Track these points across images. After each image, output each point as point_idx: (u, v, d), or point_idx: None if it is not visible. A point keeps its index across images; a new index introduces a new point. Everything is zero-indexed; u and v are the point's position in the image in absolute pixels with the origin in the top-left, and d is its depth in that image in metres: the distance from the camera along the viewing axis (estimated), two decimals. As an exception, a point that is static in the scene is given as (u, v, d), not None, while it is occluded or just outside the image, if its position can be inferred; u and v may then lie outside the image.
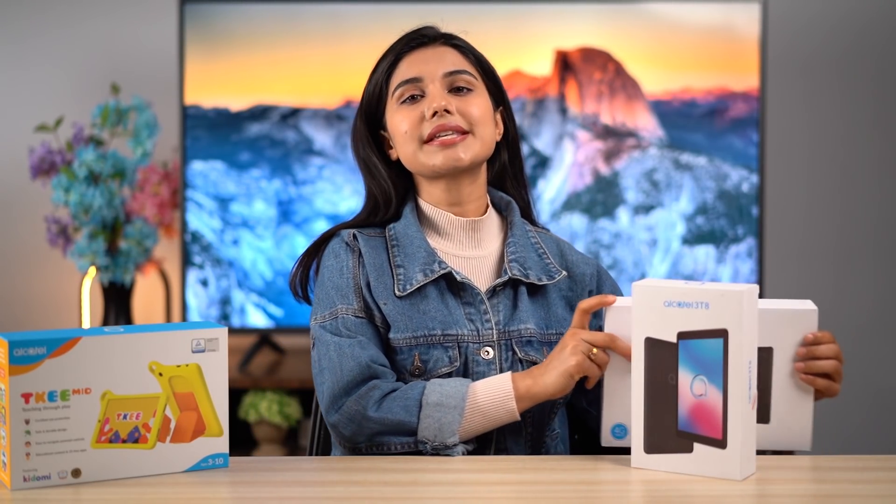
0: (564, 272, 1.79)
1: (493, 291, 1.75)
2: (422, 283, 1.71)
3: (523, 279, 1.75)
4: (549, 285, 1.78)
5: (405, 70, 1.75)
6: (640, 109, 3.20)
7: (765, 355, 1.60)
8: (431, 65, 1.74)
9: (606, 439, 1.64)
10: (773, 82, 3.38)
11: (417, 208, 1.81)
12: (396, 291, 1.71)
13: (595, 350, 1.60)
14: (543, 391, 1.63)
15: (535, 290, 1.77)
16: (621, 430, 1.63)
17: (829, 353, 1.61)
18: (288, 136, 3.20)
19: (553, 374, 1.61)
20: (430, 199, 1.79)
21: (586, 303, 1.64)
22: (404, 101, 1.75)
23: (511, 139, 1.84)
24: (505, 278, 1.74)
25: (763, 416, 1.62)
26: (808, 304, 1.63)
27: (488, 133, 1.76)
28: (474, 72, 1.77)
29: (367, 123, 1.80)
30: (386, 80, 1.77)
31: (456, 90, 1.75)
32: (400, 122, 1.74)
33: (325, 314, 1.71)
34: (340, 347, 1.67)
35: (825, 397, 1.66)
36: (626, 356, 1.58)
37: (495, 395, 1.63)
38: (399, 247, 1.75)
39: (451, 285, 1.74)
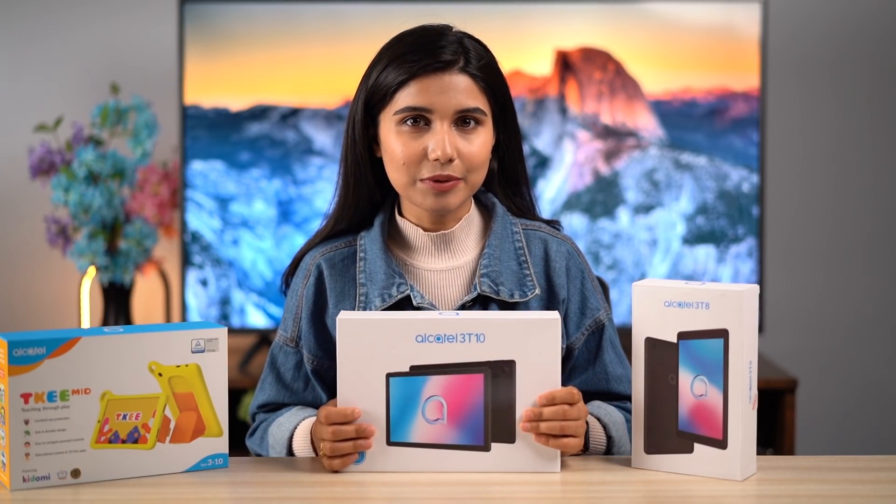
0: (538, 290, 1.71)
1: (463, 307, 1.70)
2: (381, 308, 1.68)
3: (493, 296, 1.69)
4: (531, 296, 1.71)
5: (416, 95, 1.65)
6: (640, 109, 3.20)
7: (506, 369, 1.51)
8: (444, 98, 1.64)
9: None
10: (774, 82, 3.38)
11: (391, 219, 1.76)
12: None
13: (322, 447, 1.54)
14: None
15: (510, 304, 1.70)
16: (359, 455, 1.53)
17: (552, 415, 1.50)
18: (288, 136, 3.20)
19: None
20: (412, 213, 1.74)
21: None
22: (405, 122, 1.66)
23: (505, 150, 1.77)
24: (473, 295, 1.69)
25: (507, 435, 1.52)
26: (552, 315, 1.52)
27: (479, 176, 1.70)
28: (484, 105, 1.68)
29: (365, 115, 1.72)
30: (393, 91, 1.67)
31: (462, 122, 1.67)
32: (398, 147, 1.67)
33: (277, 331, 1.80)
34: (263, 379, 1.78)
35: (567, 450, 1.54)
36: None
37: (302, 438, 1.66)
38: (365, 261, 1.72)
39: (414, 307, 1.69)
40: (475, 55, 1.69)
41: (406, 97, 1.66)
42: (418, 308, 1.69)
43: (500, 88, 1.72)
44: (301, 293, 1.75)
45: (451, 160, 1.65)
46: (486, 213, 1.79)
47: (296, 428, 1.66)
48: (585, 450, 1.63)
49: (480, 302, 1.70)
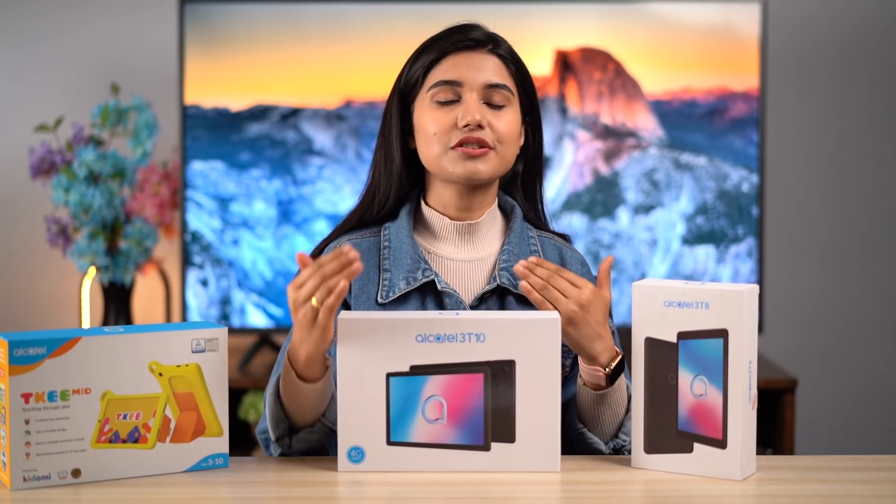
0: None
1: (482, 298, 1.73)
2: (404, 291, 1.72)
3: (511, 288, 1.73)
4: None
5: (447, 70, 1.73)
6: (640, 109, 3.20)
7: (506, 369, 1.51)
8: (473, 72, 1.73)
9: (343, 464, 1.53)
10: (773, 82, 3.38)
11: (416, 209, 1.80)
12: (379, 298, 1.72)
13: (314, 301, 1.48)
14: (293, 349, 1.56)
15: (526, 299, 1.73)
16: (358, 454, 1.53)
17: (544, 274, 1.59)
18: (288, 136, 3.20)
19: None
20: (438, 202, 1.78)
21: None
22: (438, 100, 1.73)
23: (532, 150, 1.83)
24: (493, 285, 1.73)
25: (507, 435, 1.52)
26: (552, 315, 1.54)
27: (511, 152, 1.76)
28: (512, 86, 1.75)
29: (400, 106, 1.78)
30: (425, 72, 1.75)
31: (491, 100, 1.73)
32: (430, 122, 1.73)
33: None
34: (278, 365, 1.74)
35: (564, 322, 1.59)
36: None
37: (286, 371, 1.59)
38: (390, 249, 1.75)
39: (437, 292, 1.73)
40: (504, 45, 1.78)
41: (438, 73, 1.74)
42: (441, 293, 1.72)
43: (527, 79, 1.79)
44: None
45: (480, 126, 1.71)
46: (506, 215, 1.83)
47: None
48: (610, 382, 1.64)
49: (499, 294, 1.74)
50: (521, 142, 1.81)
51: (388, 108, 1.80)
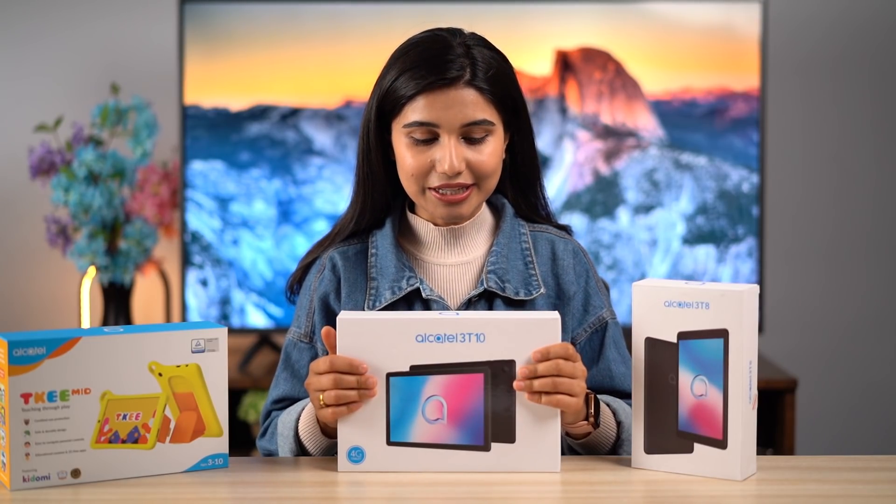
0: (542, 290, 1.72)
1: (469, 303, 1.71)
2: (390, 301, 1.70)
3: (499, 292, 1.70)
4: (536, 295, 1.71)
5: (422, 110, 1.66)
6: (640, 109, 3.20)
7: (506, 369, 1.51)
8: (451, 112, 1.65)
9: (343, 464, 1.54)
10: (774, 82, 3.38)
11: (402, 215, 1.78)
12: (366, 308, 1.71)
13: (322, 397, 1.52)
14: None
15: (515, 301, 1.71)
16: (358, 454, 1.53)
17: (546, 370, 1.50)
18: (288, 136, 3.20)
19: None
20: (426, 213, 1.76)
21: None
22: (414, 139, 1.67)
23: (517, 148, 1.77)
24: (480, 290, 1.71)
25: (507, 435, 1.52)
26: (552, 315, 1.53)
27: (492, 183, 1.71)
28: (492, 116, 1.68)
29: (378, 115, 1.72)
30: (403, 104, 1.67)
31: (470, 134, 1.67)
32: (407, 159, 1.68)
33: (290, 329, 1.80)
34: (277, 376, 1.78)
35: (566, 414, 1.55)
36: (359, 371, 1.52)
37: (308, 421, 1.64)
38: (377, 257, 1.73)
39: (423, 299, 1.71)
40: (483, 66, 1.69)
41: (413, 112, 1.67)
42: (427, 301, 1.70)
43: (509, 96, 1.72)
44: (314, 287, 1.76)
45: (458, 172, 1.67)
46: (496, 212, 1.80)
47: (304, 409, 1.66)
48: (596, 426, 1.62)
49: (486, 297, 1.72)
50: (507, 141, 1.76)
51: (365, 122, 1.74)
